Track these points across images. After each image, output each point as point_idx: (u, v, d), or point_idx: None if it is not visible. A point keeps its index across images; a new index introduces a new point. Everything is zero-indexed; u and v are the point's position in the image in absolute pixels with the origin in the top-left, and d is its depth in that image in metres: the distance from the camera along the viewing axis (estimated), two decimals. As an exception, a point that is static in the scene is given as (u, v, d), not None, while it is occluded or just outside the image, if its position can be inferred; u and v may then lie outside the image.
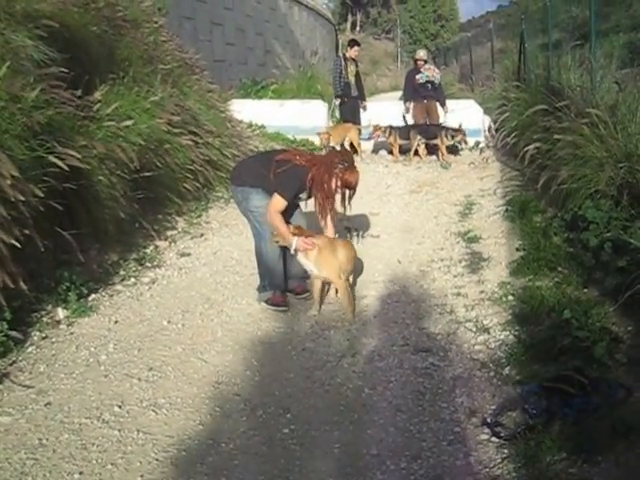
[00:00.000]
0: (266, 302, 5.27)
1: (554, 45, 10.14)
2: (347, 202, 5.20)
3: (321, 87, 16.72)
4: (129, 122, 6.36)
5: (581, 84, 7.24)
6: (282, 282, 5.37)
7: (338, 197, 5.12)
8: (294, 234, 4.89)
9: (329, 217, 5.19)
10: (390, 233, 7.08)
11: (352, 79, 12.04)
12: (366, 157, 11.76)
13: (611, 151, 5.50)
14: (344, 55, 12.41)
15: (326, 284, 5.31)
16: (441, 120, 11.98)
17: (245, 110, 12.44)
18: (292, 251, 4.98)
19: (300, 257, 5.00)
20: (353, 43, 12.32)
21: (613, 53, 7.44)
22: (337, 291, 5.22)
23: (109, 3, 8.09)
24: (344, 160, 5.01)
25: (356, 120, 11.94)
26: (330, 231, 5.30)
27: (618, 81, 6.42)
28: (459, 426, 3.56)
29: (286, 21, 25.72)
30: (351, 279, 5.43)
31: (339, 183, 4.97)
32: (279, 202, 4.92)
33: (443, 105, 12.26)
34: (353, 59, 12.13)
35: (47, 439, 3.48)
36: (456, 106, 12.49)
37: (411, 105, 12.32)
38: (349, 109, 12.10)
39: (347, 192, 5.13)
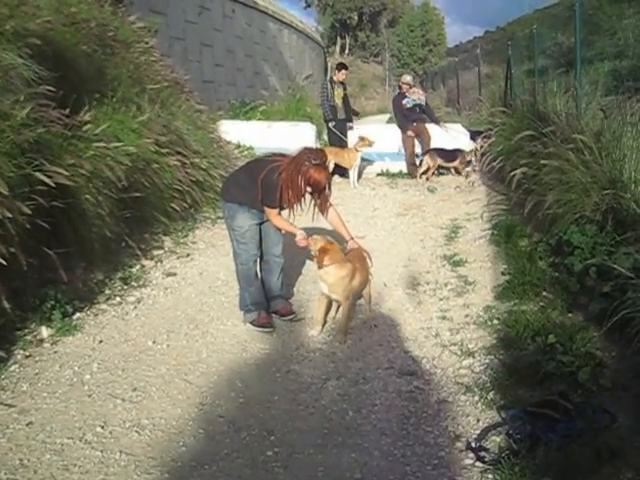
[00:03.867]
0: (252, 323, 5.25)
1: (540, 71, 10.25)
2: (318, 206, 5.11)
3: (310, 109, 16.79)
4: (117, 144, 6.35)
5: (567, 110, 7.30)
6: (263, 300, 5.37)
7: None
8: (323, 249, 4.91)
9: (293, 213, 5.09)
10: (376, 256, 7.03)
11: (339, 102, 12.10)
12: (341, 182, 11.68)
13: (596, 177, 5.54)
14: (331, 78, 12.48)
15: (332, 305, 5.36)
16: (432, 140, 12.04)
17: (233, 131, 12.46)
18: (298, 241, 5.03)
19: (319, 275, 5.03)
20: (341, 67, 12.39)
21: (598, 80, 7.52)
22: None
23: (100, 23, 8.14)
24: (314, 157, 4.86)
25: (343, 143, 11.97)
26: (349, 241, 5.28)
27: (603, 108, 6.47)
28: (443, 450, 3.55)
29: (275, 43, 25.93)
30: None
31: (303, 180, 4.81)
32: (271, 212, 4.99)
33: (438, 123, 12.36)
34: (341, 82, 12.19)
35: (28, 459, 3.44)
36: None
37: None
38: (337, 131, 12.13)
39: (316, 195, 5.03)
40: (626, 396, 3.68)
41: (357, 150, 11.18)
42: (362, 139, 11.22)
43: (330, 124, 12.07)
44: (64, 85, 6.01)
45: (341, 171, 11.54)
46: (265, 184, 4.88)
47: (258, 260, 5.33)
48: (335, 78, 12.20)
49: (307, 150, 5.00)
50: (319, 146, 12.90)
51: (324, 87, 12.14)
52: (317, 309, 5.22)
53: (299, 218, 5.09)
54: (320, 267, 4.95)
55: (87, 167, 5.66)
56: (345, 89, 12.33)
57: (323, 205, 5.10)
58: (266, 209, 5.01)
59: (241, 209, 5.07)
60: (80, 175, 5.57)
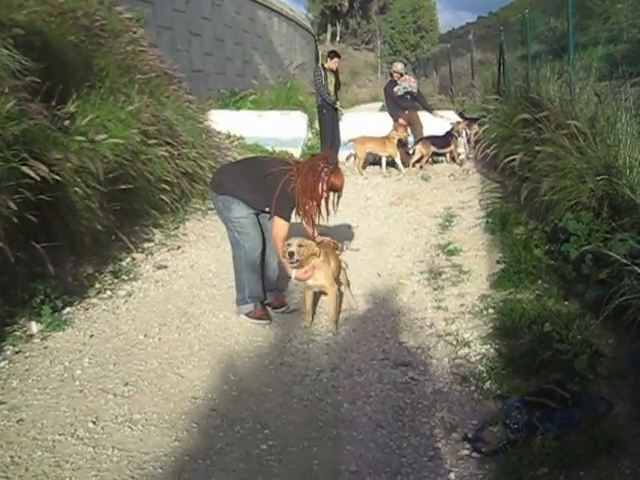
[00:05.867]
0: (248, 315, 5.21)
1: (533, 57, 10.19)
2: (333, 206, 5.11)
3: (302, 98, 16.71)
4: (103, 136, 6.25)
5: (560, 96, 7.26)
6: (261, 293, 5.33)
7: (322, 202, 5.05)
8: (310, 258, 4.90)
9: (314, 223, 5.12)
10: (370, 246, 7.06)
11: (331, 89, 11.99)
12: (345, 169, 11.60)
13: (591, 163, 5.50)
14: (322, 65, 12.37)
15: (321, 294, 5.32)
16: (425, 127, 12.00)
17: (223, 121, 12.38)
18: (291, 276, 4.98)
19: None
20: (333, 54, 12.23)
21: (592, 65, 7.47)
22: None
23: (87, 13, 8.04)
24: (329, 163, 4.94)
25: (335, 131, 11.89)
26: (316, 237, 5.27)
27: (597, 93, 6.41)
28: (440, 441, 3.55)
29: (265, 31, 25.82)
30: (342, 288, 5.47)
31: (325, 187, 4.89)
32: (283, 226, 4.91)
33: (431, 111, 12.34)
34: (332, 70, 12.05)
35: (19, 457, 3.40)
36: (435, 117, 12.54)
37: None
38: (329, 120, 12.02)
39: (332, 196, 5.06)
40: (623, 384, 3.66)
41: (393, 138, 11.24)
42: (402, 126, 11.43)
43: (323, 110, 11.92)
44: (51, 76, 5.93)
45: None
46: (282, 198, 4.87)
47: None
48: (326, 65, 12.06)
49: (319, 157, 5.10)
50: (310, 135, 12.87)
51: (318, 74, 11.92)
52: (304, 301, 5.21)
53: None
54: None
55: (74, 160, 5.58)
56: (337, 77, 12.19)
57: (334, 206, 5.13)
58: (278, 220, 4.92)
59: (236, 200, 5.01)
60: (67, 168, 5.49)
